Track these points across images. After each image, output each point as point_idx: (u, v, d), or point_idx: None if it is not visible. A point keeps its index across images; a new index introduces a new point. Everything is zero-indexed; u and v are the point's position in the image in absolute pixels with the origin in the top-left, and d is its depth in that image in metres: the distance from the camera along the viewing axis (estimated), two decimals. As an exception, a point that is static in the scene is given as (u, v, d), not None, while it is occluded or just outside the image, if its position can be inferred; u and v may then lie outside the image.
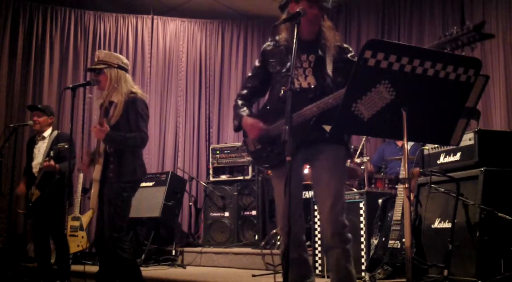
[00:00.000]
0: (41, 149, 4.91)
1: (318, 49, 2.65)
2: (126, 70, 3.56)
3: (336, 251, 2.54)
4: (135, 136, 3.38)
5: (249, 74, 2.92)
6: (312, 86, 2.61)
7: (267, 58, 2.78)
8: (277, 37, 2.75)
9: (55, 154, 4.74)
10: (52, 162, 4.69)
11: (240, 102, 2.84)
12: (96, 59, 3.52)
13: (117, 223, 3.31)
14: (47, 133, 4.98)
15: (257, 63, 2.86)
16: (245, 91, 2.88)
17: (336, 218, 2.54)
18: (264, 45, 2.83)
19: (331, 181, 2.59)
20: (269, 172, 3.70)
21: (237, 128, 2.81)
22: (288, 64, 2.62)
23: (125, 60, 3.61)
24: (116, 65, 3.48)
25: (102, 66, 3.46)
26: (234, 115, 2.84)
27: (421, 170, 3.93)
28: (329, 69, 2.61)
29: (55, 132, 5.02)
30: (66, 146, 4.65)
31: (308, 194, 4.70)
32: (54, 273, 4.66)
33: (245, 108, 2.81)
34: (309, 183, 4.22)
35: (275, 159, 2.68)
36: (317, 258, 4.31)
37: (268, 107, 2.78)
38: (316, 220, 4.35)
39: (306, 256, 2.73)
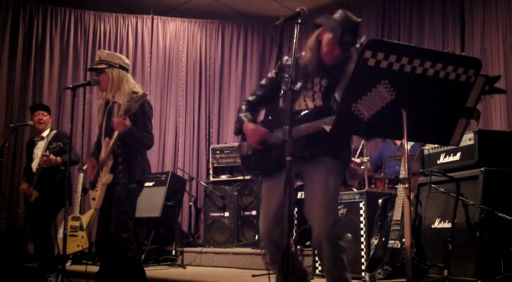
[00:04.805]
0: (40, 149, 4.90)
1: (334, 75, 2.63)
2: (127, 70, 3.52)
3: (330, 260, 2.57)
4: (147, 136, 3.38)
5: (261, 82, 2.90)
6: (318, 106, 2.62)
7: (283, 72, 2.75)
8: (298, 55, 2.70)
9: (51, 152, 4.73)
10: (51, 156, 4.67)
11: (244, 107, 2.83)
12: (97, 59, 3.48)
13: (127, 222, 3.31)
14: (45, 133, 4.97)
15: (272, 74, 2.84)
16: (252, 98, 2.87)
17: (329, 229, 2.53)
18: (284, 59, 2.80)
19: (325, 193, 2.56)
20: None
21: (238, 132, 2.81)
22: (299, 84, 2.63)
23: (127, 60, 3.56)
24: (118, 65, 3.43)
25: (103, 66, 3.41)
26: (236, 119, 2.84)
27: (421, 170, 3.93)
28: (338, 95, 2.59)
29: (53, 131, 5.01)
30: (61, 145, 4.66)
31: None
32: (55, 271, 4.66)
33: (248, 113, 2.79)
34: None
35: (262, 166, 2.69)
36: (317, 258, 4.31)
37: (270, 117, 2.79)
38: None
39: (297, 257, 2.72)
